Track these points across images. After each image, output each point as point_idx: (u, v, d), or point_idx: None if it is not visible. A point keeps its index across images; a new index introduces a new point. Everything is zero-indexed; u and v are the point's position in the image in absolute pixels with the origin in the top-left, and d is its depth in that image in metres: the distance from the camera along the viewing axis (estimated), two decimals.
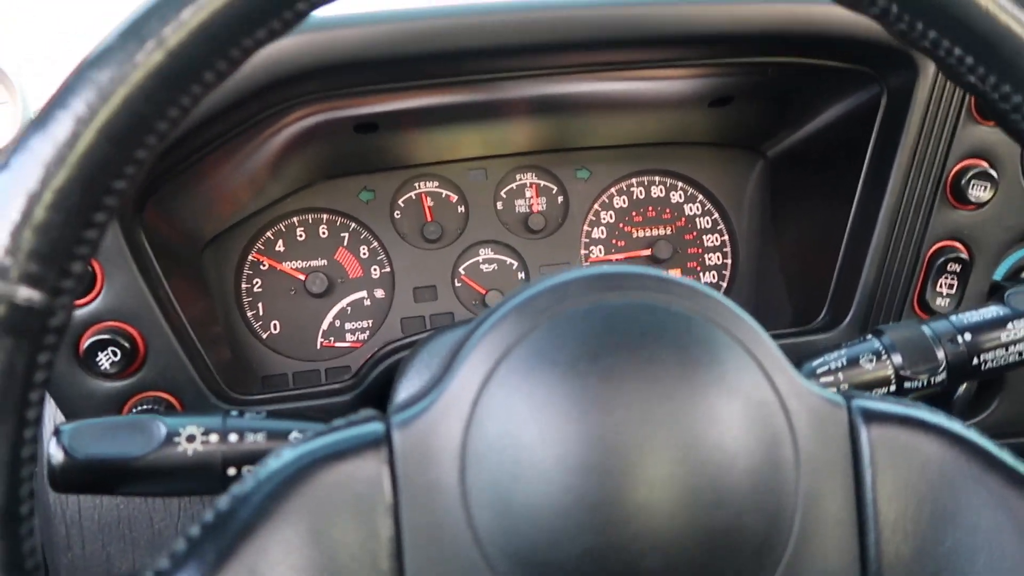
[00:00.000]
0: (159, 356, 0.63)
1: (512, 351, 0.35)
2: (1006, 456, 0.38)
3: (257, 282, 0.83)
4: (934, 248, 0.73)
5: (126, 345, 0.61)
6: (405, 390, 0.57)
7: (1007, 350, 0.54)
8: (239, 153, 0.68)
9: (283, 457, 0.35)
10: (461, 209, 0.87)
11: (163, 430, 0.47)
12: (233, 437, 0.48)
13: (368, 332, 0.85)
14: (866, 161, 0.75)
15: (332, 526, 0.33)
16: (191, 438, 0.47)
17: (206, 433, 0.47)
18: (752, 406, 0.35)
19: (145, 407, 0.63)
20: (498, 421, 0.34)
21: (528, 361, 0.35)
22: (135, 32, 0.28)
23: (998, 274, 0.76)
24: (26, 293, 0.28)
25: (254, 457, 0.48)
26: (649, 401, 0.33)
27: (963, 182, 0.71)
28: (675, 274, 0.88)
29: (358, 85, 0.65)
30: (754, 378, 0.35)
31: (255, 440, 0.48)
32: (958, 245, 0.73)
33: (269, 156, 0.71)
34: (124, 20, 0.29)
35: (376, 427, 0.35)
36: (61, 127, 0.28)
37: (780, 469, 0.35)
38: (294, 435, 0.49)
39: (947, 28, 0.33)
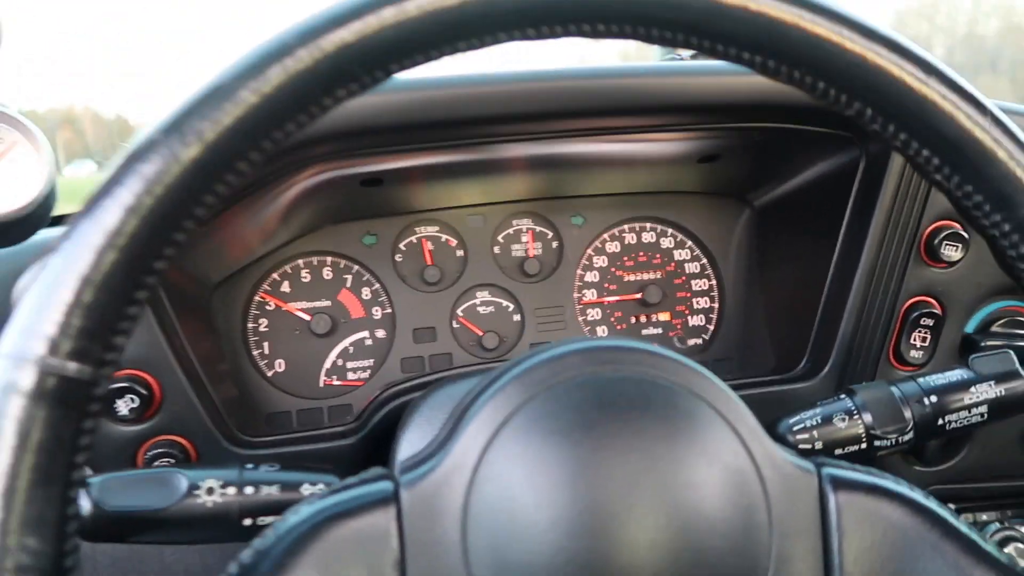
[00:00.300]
0: (174, 402, 0.67)
1: (511, 419, 0.38)
2: (962, 525, 0.41)
3: (263, 322, 0.86)
4: (909, 303, 0.78)
5: (144, 392, 0.65)
6: (408, 442, 0.60)
7: (970, 411, 0.57)
8: (253, 207, 0.71)
9: (300, 513, 0.38)
10: (460, 253, 0.91)
11: (184, 483, 0.50)
12: (249, 489, 0.51)
13: (369, 371, 0.88)
14: (845, 219, 0.79)
15: None
16: (210, 491, 0.50)
17: (224, 486, 0.50)
18: (730, 473, 0.38)
19: (159, 451, 0.67)
20: (497, 485, 0.37)
21: (526, 429, 0.38)
22: (176, 128, 0.31)
23: (970, 327, 0.80)
24: (75, 367, 0.30)
25: (269, 508, 0.51)
26: (636, 469, 0.37)
27: (936, 242, 0.75)
28: (664, 317, 0.92)
29: (367, 147, 0.69)
30: (732, 447, 0.39)
31: (269, 492, 0.51)
32: (931, 301, 0.78)
33: (280, 207, 0.74)
34: (166, 115, 0.32)
35: (385, 486, 0.38)
36: (109, 215, 0.30)
37: (754, 532, 0.38)
38: (305, 487, 0.53)
39: (917, 131, 0.37)
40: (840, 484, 0.41)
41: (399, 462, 0.41)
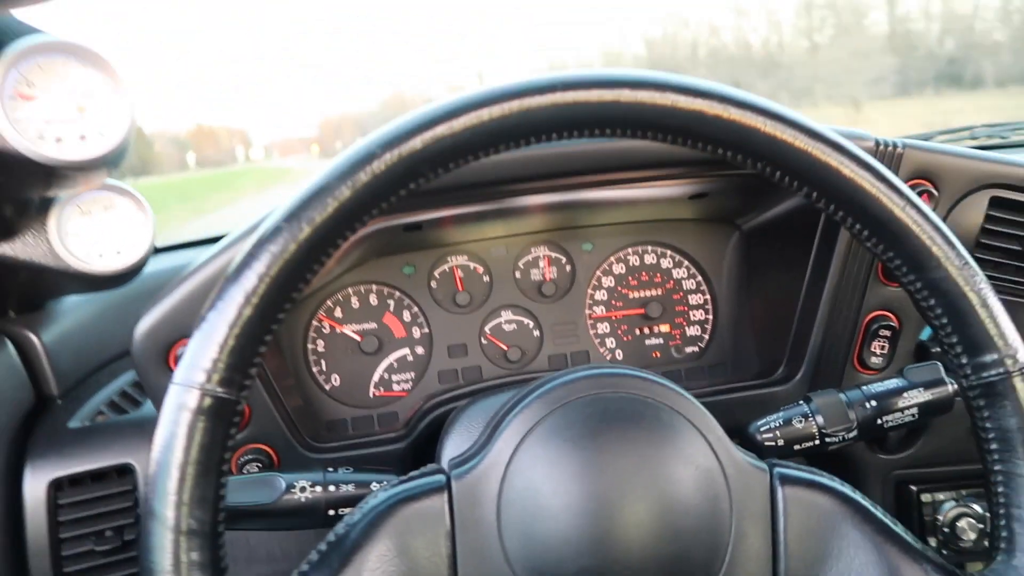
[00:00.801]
0: (260, 417, 0.82)
1: (535, 429, 0.53)
2: (879, 511, 0.54)
3: (320, 343, 1.01)
4: (869, 316, 0.90)
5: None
6: (451, 445, 0.74)
7: (903, 413, 0.70)
8: None
9: (378, 497, 0.52)
10: (486, 279, 1.04)
11: (283, 484, 0.65)
12: (331, 488, 0.65)
13: (411, 383, 1.02)
14: (815, 244, 0.91)
15: (410, 545, 0.50)
16: (303, 489, 0.65)
17: (313, 485, 0.65)
18: (701, 472, 0.52)
19: (249, 457, 0.82)
20: (524, 478, 0.51)
21: (546, 437, 0.52)
22: (294, 217, 0.43)
23: (924, 335, 0.93)
24: (224, 391, 0.41)
25: (348, 501, 0.66)
26: (629, 468, 0.51)
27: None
28: (665, 329, 1.05)
29: (412, 204, 0.83)
30: (703, 451, 0.53)
31: (347, 489, 0.66)
32: (889, 314, 0.90)
33: (338, 252, 0.89)
34: (287, 207, 0.43)
35: (439, 478, 0.52)
36: (249, 282, 0.42)
37: (719, 516, 0.52)
38: (374, 485, 0.67)
39: (851, 211, 0.48)
40: (786, 480, 0.54)
41: (448, 460, 0.55)
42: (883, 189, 0.48)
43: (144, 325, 0.76)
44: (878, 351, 0.90)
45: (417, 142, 0.44)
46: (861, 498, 0.55)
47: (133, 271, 0.84)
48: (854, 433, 0.70)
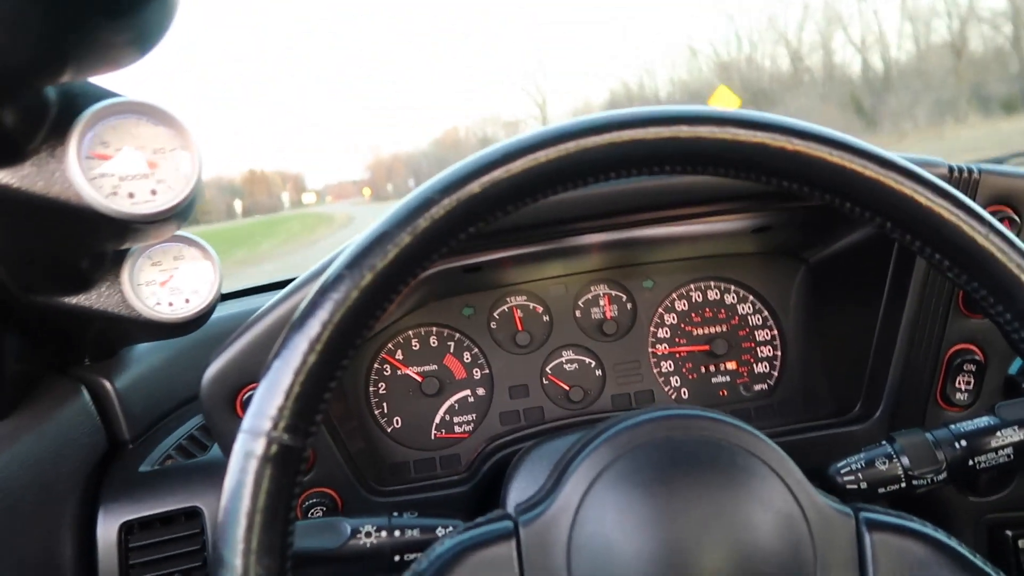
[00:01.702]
0: (324, 460, 0.82)
1: (603, 474, 0.50)
2: (978, 560, 0.50)
3: (382, 385, 1.01)
4: (952, 350, 0.85)
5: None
6: (516, 489, 0.73)
7: (996, 453, 0.66)
8: None
9: (445, 544, 0.51)
10: (546, 319, 1.04)
11: (348, 528, 0.64)
12: (397, 532, 0.65)
13: (473, 424, 1.01)
14: (889, 276, 0.87)
15: None
16: (368, 534, 0.64)
17: (378, 530, 0.64)
18: (780, 517, 0.49)
19: (314, 500, 0.82)
20: (594, 525, 0.49)
21: (615, 482, 0.50)
22: (356, 264, 0.43)
23: (1013, 369, 0.88)
24: (289, 438, 0.41)
25: (413, 546, 0.65)
26: (704, 514, 0.48)
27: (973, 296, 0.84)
28: (732, 366, 1.02)
29: (472, 247, 0.83)
30: (782, 495, 0.50)
31: (412, 534, 0.65)
32: (973, 348, 0.85)
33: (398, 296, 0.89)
34: (348, 255, 0.44)
35: (507, 524, 0.51)
36: (313, 329, 0.42)
37: (801, 565, 0.48)
38: (439, 530, 0.66)
39: (931, 241, 0.46)
40: (874, 526, 0.51)
41: (515, 504, 0.54)
42: (963, 217, 0.45)
43: (212, 371, 0.77)
44: (963, 387, 0.86)
45: (475, 186, 0.44)
46: (957, 544, 0.51)
47: (201, 318, 0.86)
48: (943, 475, 0.66)
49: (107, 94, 0.64)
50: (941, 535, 0.51)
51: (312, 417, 0.42)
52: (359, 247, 0.44)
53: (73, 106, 0.63)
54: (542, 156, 0.44)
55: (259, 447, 0.41)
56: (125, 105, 0.64)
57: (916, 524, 0.52)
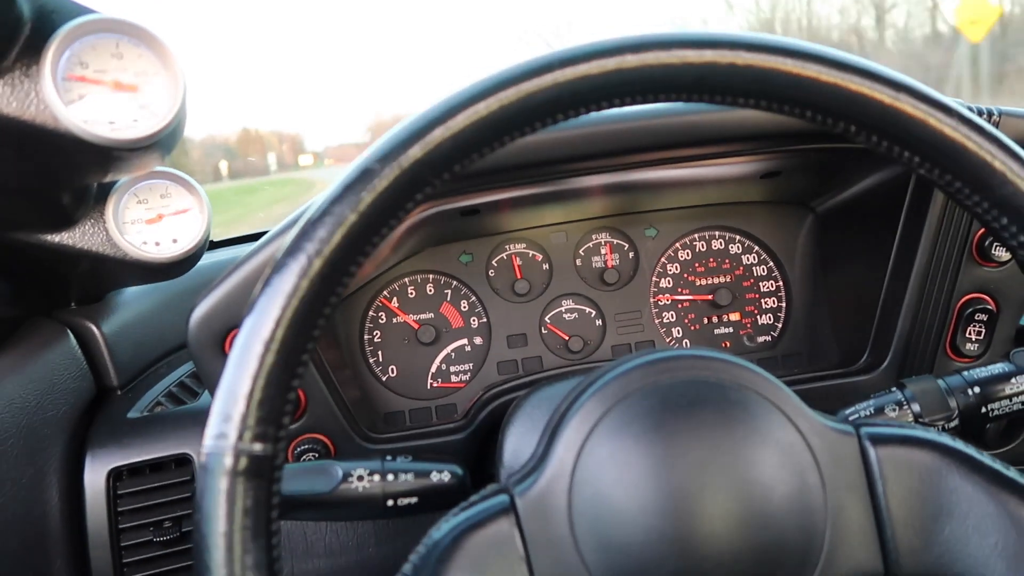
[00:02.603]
0: (316, 406, 0.80)
1: (594, 431, 0.47)
2: (986, 458, 0.48)
3: (377, 333, 0.99)
4: (963, 300, 0.83)
5: (296, 399, 0.78)
6: (514, 436, 0.71)
7: (1011, 400, 0.63)
8: None
9: (442, 529, 0.47)
10: (546, 267, 1.01)
11: (340, 472, 0.62)
12: (390, 476, 0.62)
13: (470, 374, 0.99)
14: (900, 224, 0.85)
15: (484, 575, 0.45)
16: (360, 478, 0.62)
17: (371, 474, 0.62)
18: (782, 447, 0.46)
19: (306, 447, 0.80)
20: (592, 485, 0.46)
21: (608, 437, 0.47)
22: (299, 250, 0.39)
23: None
24: (259, 447, 0.38)
25: (407, 492, 0.63)
26: (702, 455, 0.45)
27: (986, 244, 0.81)
28: (735, 317, 0.99)
29: (468, 186, 0.80)
30: (781, 424, 0.47)
31: (406, 479, 0.63)
32: (985, 297, 0.83)
33: (392, 239, 0.86)
34: (290, 242, 0.39)
35: (503, 498, 0.47)
36: (265, 329, 0.38)
37: (810, 492, 0.46)
38: (434, 474, 0.64)
39: (953, 171, 0.43)
40: (877, 439, 0.48)
41: (509, 474, 0.51)
42: (928, 110, 0.41)
43: (198, 313, 0.74)
44: (974, 337, 0.84)
45: (417, 150, 0.40)
46: (964, 446, 0.49)
47: (190, 259, 0.83)
48: (955, 422, 0.64)
49: (85, 11, 0.61)
50: (946, 439, 0.49)
51: (279, 420, 0.39)
52: (300, 232, 0.40)
53: (49, 22, 0.59)
54: (482, 108, 0.40)
55: (227, 461, 0.37)
56: (104, 23, 0.60)
57: (919, 432, 0.50)
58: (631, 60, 0.41)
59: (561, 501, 0.46)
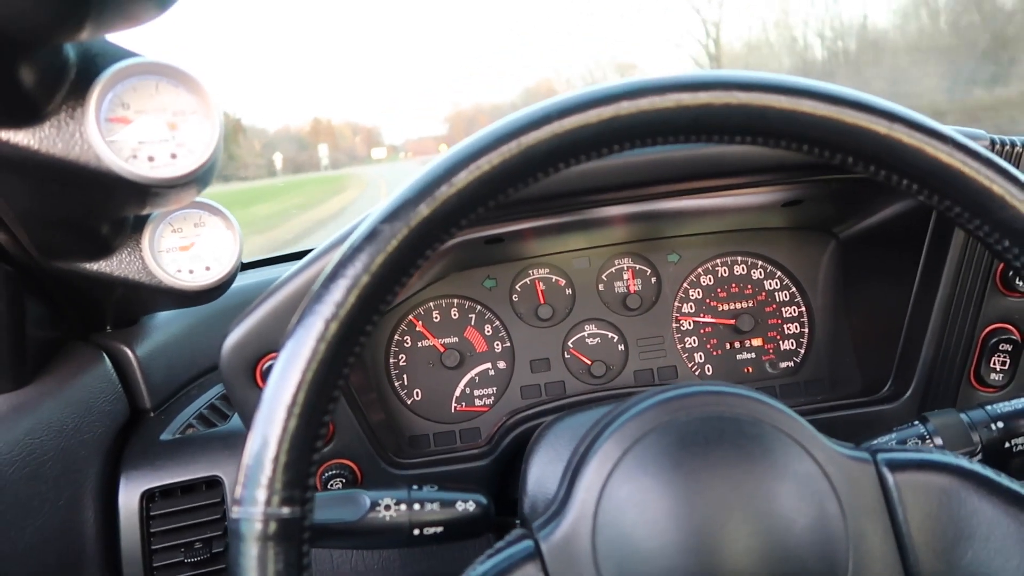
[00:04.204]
0: (343, 432, 0.81)
1: (614, 472, 0.48)
2: (1004, 479, 0.49)
3: (402, 357, 1.00)
4: (988, 329, 0.83)
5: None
6: (538, 464, 0.72)
7: None
8: None
9: None
10: (568, 292, 1.02)
11: (368, 501, 0.64)
12: (416, 506, 0.64)
13: (493, 398, 1.00)
14: (923, 253, 0.85)
15: None
16: (387, 507, 0.63)
17: (398, 503, 0.63)
18: (800, 479, 0.47)
19: (333, 472, 0.81)
20: (615, 526, 0.47)
21: (628, 478, 0.48)
22: (313, 313, 0.39)
23: None
24: (287, 511, 0.38)
25: (433, 521, 0.64)
26: (721, 492, 0.46)
27: (1011, 273, 0.81)
28: (757, 343, 1.00)
29: (493, 217, 0.82)
30: (797, 456, 0.48)
31: (432, 508, 0.64)
32: (1010, 327, 0.83)
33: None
34: (301, 309, 0.40)
35: (528, 544, 0.48)
36: (286, 395, 0.39)
37: (830, 521, 0.46)
38: (459, 504, 0.65)
39: (948, 194, 0.43)
40: (894, 465, 0.49)
41: (532, 511, 0.51)
42: (922, 138, 0.42)
43: (231, 340, 0.76)
44: (998, 367, 0.83)
45: (423, 208, 0.40)
46: (981, 468, 0.49)
47: (222, 286, 0.85)
48: (978, 457, 0.64)
49: (127, 54, 0.63)
50: (963, 462, 0.50)
51: (305, 482, 0.40)
52: (315, 295, 0.41)
53: (93, 66, 0.61)
54: (484, 163, 0.41)
55: (257, 527, 0.38)
56: (145, 66, 0.63)
57: (936, 456, 0.50)
58: (627, 107, 0.42)
59: (585, 544, 0.47)
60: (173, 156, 0.65)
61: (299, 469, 0.39)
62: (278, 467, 0.39)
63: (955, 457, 0.50)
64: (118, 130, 0.63)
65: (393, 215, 0.41)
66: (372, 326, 0.41)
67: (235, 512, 0.39)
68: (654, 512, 0.46)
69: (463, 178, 0.41)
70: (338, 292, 0.40)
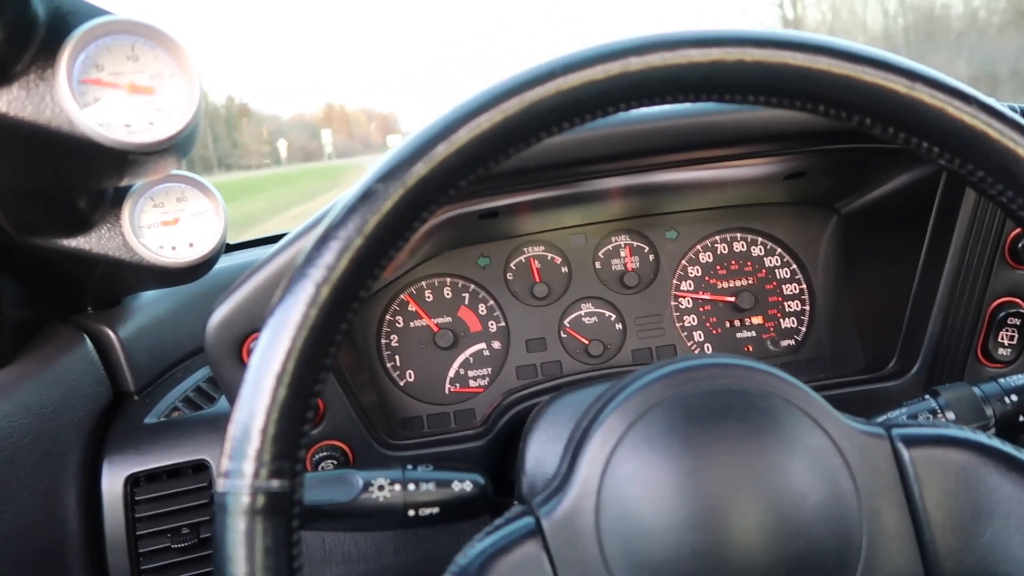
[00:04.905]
0: (334, 413, 0.79)
1: (619, 446, 0.46)
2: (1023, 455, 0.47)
3: (394, 338, 0.98)
4: (995, 303, 0.81)
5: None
6: (536, 444, 0.70)
7: None
8: None
9: (468, 555, 0.45)
10: (564, 270, 0.99)
11: (360, 482, 0.61)
12: (411, 486, 0.61)
13: (488, 379, 0.98)
14: (930, 226, 0.83)
15: None
16: (381, 487, 0.61)
17: (392, 483, 0.61)
18: (812, 453, 0.45)
19: (324, 454, 0.79)
20: (619, 502, 0.44)
21: (633, 452, 0.45)
22: (305, 276, 0.37)
23: None
24: (276, 483, 0.36)
25: (428, 502, 0.61)
26: (731, 467, 0.44)
27: (1020, 246, 0.79)
28: (757, 321, 0.98)
29: (488, 188, 0.79)
30: (809, 429, 0.45)
31: (428, 488, 0.62)
32: (1018, 301, 0.81)
33: (410, 243, 0.85)
34: (296, 268, 0.38)
35: (529, 521, 0.45)
36: (275, 362, 0.37)
37: (843, 498, 0.44)
38: (455, 484, 0.63)
39: (970, 157, 0.41)
40: (910, 441, 0.47)
41: (532, 491, 0.49)
42: (945, 98, 0.40)
43: (216, 318, 0.74)
44: (1006, 341, 0.81)
45: (421, 167, 0.38)
46: (1001, 444, 0.47)
47: (206, 263, 0.82)
48: (992, 431, 0.62)
49: (100, 12, 0.60)
50: (981, 437, 0.47)
51: (295, 454, 0.38)
52: (305, 259, 0.38)
53: (63, 25, 0.58)
54: (485, 121, 0.38)
55: (244, 500, 0.36)
56: (119, 25, 0.59)
57: (953, 431, 0.48)
58: (635, 63, 0.39)
59: (588, 521, 0.45)
60: (151, 122, 0.62)
61: (288, 440, 0.37)
62: (266, 438, 0.36)
63: (973, 432, 0.48)
64: (91, 93, 0.59)
65: (389, 174, 0.38)
66: (366, 291, 0.39)
67: (221, 485, 0.37)
68: (660, 487, 0.44)
69: (463, 136, 0.38)
70: (330, 255, 0.38)
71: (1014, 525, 0.45)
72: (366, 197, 0.38)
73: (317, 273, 0.37)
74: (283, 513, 0.37)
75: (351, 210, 0.38)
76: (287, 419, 0.37)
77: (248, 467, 0.36)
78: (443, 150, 0.38)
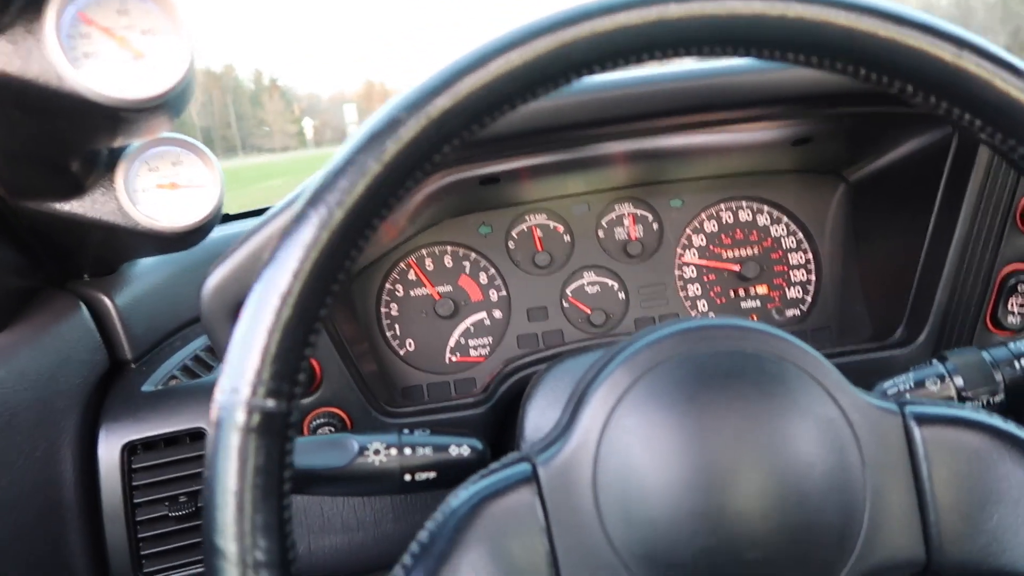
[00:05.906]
0: (332, 379, 0.78)
1: (623, 399, 0.44)
2: None
3: (394, 307, 0.96)
4: (1006, 270, 0.80)
5: (310, 370, 0.76)
6: (534, 411, 0.69)
7: None
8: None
9: (460, 497, 0.45)
10: (567, 238, 0.98)
11: (356, 446, 0.60)
12: (408, 451, 0.60)
13: (489, 348, 0.97)
14: (940, 192, 0.81)
15: (502, 547, 0.43)
16: (376, 452, 0.60)
17: (388, 448, 0.60)
18: (821, 422, 0.43)
19: (322, 420, 0.78)
20: (618, 456, 0.43)
21: (637, 406, 0.44)
22: (320, 201, 0.37)
23: None
24: (272, 403, 0.36)
25: (425, 466, 0.61)
26: (737, 429, 0.42)
27: None
28: (762, 290, 0.96)
29: (488, 152, 0.77)
30: (820, 399, 0.44)
31: (424, 453, 0.61)
32: None
33: (409, 209, 0.84)
34: (311, 190, 0.37)
35: (525, 467, 0.45)
36: (282, 281, 0.36)
37: (849, 471, 0.43)
38: (452, 448, 0.62)
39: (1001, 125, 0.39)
40: (923, 419, 0.45)
41: (531, 443, 0.48)
42: (939, 43, 0.38)
43: (212, 281, 0.72)
44: (1016, 309, 0.80)
45: (446, 99, 0.37)
46: (1017, 429, 0.46)
47: (202, 228, 0.81)
48: (1000, 396, 0.61)
49: None
50: (997, 421, 0.46)
51: (294, 376, 0.37)
52: (321, 182, 0.38)
53: None
54: (516, 58, 0.37)
55: (239, 417, 0.36)
56: None
57: (968, 413, 0.47)
58: (674, 10, 0.37)
59: (586, 472, 0.44)
60: (141, 78, 0.60)
61: (288, 362, 0.36)
62: (267, 357, 0.36)
63: (989, 416, 0.46)
64: (81, 48, 0.58)
65: (414, 104, 0.37)
66: (380, 219, 0.37)
67: (217, 401, 0.36)
68: (663, 444, 0.42)
69: (491, 71, 0.37)
70: (346, 179, 0.36)
71: (1022, 513, 0.44)
72: (389, 125, 0.37)
73: (332, 196, 0.37)
74: (277, 434, 0.36)
75: (373, 137, 0.37)
76: (289, 340, 0.36)
77: (246, 385, 0.36)
78: (470, 83, 0.37)
